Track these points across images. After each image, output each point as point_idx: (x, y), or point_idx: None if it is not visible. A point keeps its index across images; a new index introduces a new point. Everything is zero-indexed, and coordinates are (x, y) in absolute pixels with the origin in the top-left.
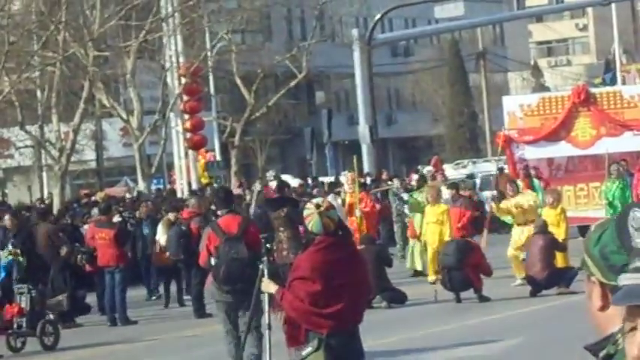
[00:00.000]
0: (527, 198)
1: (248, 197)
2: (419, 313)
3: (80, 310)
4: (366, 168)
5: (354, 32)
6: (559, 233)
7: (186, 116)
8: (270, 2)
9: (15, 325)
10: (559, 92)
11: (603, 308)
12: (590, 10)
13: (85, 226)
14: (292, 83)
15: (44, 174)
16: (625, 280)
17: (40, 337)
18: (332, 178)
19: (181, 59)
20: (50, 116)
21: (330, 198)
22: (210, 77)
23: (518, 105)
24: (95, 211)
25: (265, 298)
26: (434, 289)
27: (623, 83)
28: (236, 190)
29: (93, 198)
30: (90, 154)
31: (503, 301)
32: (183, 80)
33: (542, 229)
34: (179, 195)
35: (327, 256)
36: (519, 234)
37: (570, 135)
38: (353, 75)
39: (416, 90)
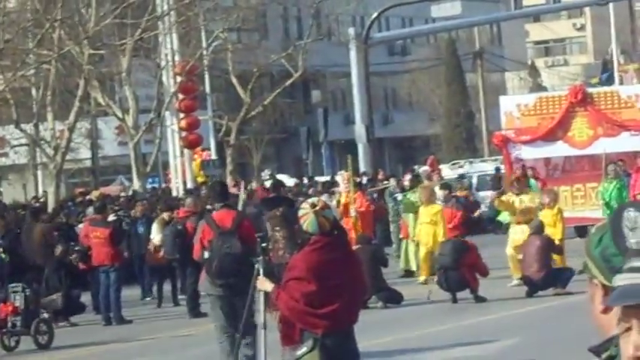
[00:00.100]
0: (530, 197)
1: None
2: (415, 313)
3: (75, 309)
4: (362, 167)
5: (351, 31)
6: (555, 234)
7: (182, 115)
8: (266, 0)
9: (9, 324)
10: (556, 92)
11: (606, 311)
12: (587, 9)
13: (80, 225)
14: (288, 82)
15: (39, 172)
16: (619, 280)
17: (34, 336)
18: (328, 178)
19: (177, 58)
20: (45, 114)
21: (324, 198)
22: (206, 76)
23: (515, 105)
24: (90, 209)
25: (261, 298)
26: (428, 289)
27: (621, 83)
28: (231, 190)
29: (88, 197)
30: (85, 153)
31: (500, 302)
32: (178, 79)
33: (539, 229)
34: (174, 194)
35: (322, 256)
36: (519, 233)
37: (567, 135)
38: (349, 74)
39: (412, 89)
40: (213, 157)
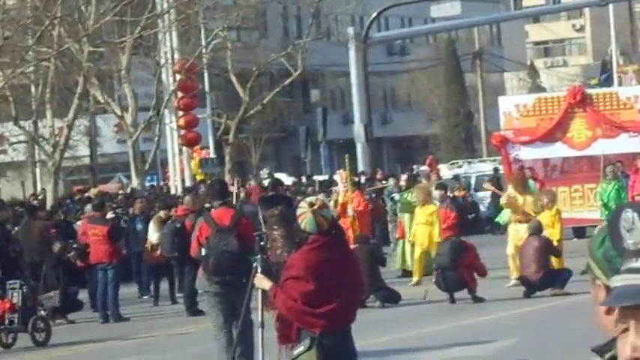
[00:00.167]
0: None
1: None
2: (413, 313)
3: (72, 307)
4: (360, 167)
5: (350, 30)
6: (554, 234)
7: (181, 113)
8: None
9: (6, 321)
10: (555, 93)
11: (610, 312)
12: (587, 10)
13: (78, 223)
14: (287, 81)
15: (37, 170)
16: (617, 281)
17: (31, 333)
18: (326, 177)
19: (176, 56)
20: (44, 112)
21: (321, 197)
22: (205, 74)
23: (514, 105)
24: (88, 207)
25: (259, 296)
26: (424, 289)
27: (620, 84)
28: (230, 188)
29: (86, 194)
30: (84, 150)
31: (497, 302)
32: (177, 77)
33: (537, 230)
34: (173, 192)
35: (320, 256)
36: (521, 232)
37: (566, 136)
38: (348, 73)
39: (411, 89)
40: (212, 155)
